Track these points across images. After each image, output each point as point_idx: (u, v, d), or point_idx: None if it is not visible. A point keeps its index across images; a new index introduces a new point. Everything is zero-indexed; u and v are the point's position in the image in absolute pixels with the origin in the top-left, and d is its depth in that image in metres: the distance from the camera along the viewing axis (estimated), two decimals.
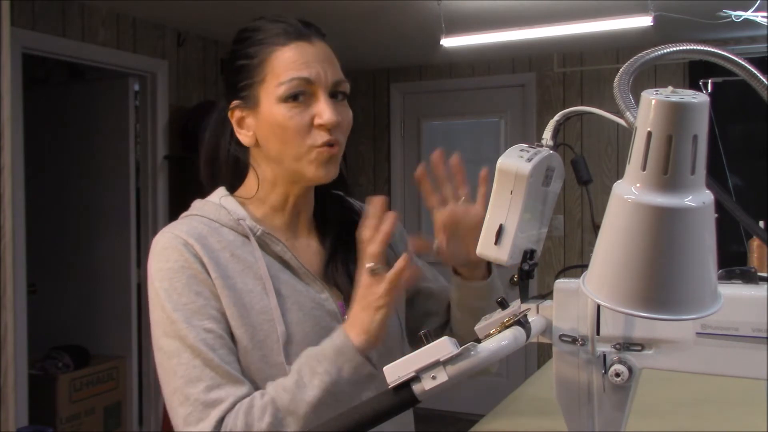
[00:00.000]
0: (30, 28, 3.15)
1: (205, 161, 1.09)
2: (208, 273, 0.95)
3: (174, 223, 1.01)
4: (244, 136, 1.02)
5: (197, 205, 1.05)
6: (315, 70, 0.97)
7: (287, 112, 0.97)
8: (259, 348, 0.95)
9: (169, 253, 0.95)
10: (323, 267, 1.06)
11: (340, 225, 1.10)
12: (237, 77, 1.01)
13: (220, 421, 0.88)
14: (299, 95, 0.97)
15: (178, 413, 0.91)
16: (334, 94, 1.00)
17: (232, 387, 0.90)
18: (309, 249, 1.08)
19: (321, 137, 0.97)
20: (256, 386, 0.95)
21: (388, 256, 1.11)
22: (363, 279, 0.92)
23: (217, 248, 0.98)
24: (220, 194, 1.06)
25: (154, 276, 0.95)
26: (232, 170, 1.07)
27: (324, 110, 0.97)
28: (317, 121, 0.97)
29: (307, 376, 0.89)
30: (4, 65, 2.09)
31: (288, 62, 0.97)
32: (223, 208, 1.02)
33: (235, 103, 1.02)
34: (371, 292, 0.91)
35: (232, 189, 1.07)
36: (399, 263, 0.91)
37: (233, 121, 1.03)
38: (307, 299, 1.00)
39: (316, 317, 1.00)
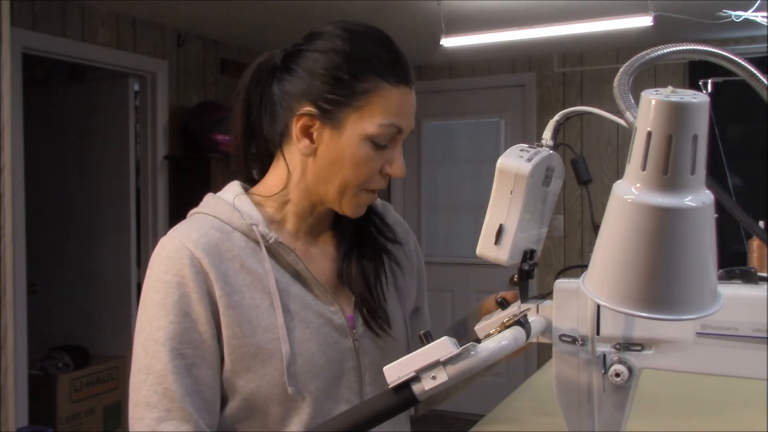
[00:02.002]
0: (30, 28, 3.15)
1: (241, 137, 1.02)
2: (212, 289, 0.92)
3: (185, 227, 0.97)
4: (303, 145, 0.96)
5: (210, 202, 1.01)
6: (407, 121, 0.97)
7: (370, 152, 0.94)
8: (261, 366, 0.93)
9: (170, 265, 0.92)
10: (337, 269, 1.04)
11: (357, 224, 1.07)
12: (329, 86, 0.94)
13: None
14: (386, 141, 0.96)
15: (134, 425, 0.91)
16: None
17: (179, 422, 0.89)
18: (324, 252, 1.05)
19: (379, 183, 0.98)
20: (251, 403, 0.93)
21: (402, 265, 1.12)
22: None
23: (227, 258, 0.94)
24: (234, 191, 1.01)
25: (150, 285, 0.93)
26: (261, 158, 1.04)
27: (398, 162, 0.97)
28: (387, 169, 0.97)
29: None
30: (4, 65, 2.09)
31: (392, 106, 0.94)
32: (237, 210, 0.98)
33: (309, 109, 0.95)
34: None
35: (252, 178, 1.05)
36: None
37: (296, 125, 0.96)
38: (315, 315, 0.97)
39: (323, 335, 0.97)
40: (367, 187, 0.97)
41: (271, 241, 0.96)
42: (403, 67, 0.96)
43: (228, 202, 0.99)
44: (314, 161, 0.97)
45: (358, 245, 1.05)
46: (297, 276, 0.98)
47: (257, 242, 0.96)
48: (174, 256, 0.92)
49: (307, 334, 0.95)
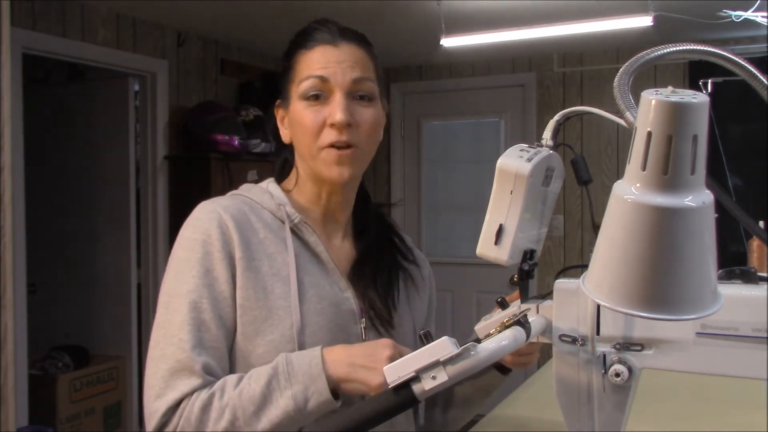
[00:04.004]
0: (30, 28, 3.15)
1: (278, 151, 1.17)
2: (233, 251, 0.97)
3: (220, 197, 1.06)
4: (283, 133, 1.09)
5: (245, 186, 1.10)
6: (332, 70, 1.01)
7: (303, 109, 1.02)
8: (270, 332, 0.96)
9: (199, 224, 0.99)
10: (351, 269, 1.08)
11: (377, 237, 1.12)
12: (281, 78, 1.08)
13: (176, 405, 0.91)
14: (317, 94, 1.01)
15: (148, 380, 0.94)
16: (354, 95, 1.02)
17: (189, 373, 0.91)
18: (341, 250, 1.10)
19: (330, 137, 1.00)
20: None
21: (417, 284, 1.16)
22: (382, 341, 0.92)
23: (252, 228, 1.01)
24: (267, 181, 1.11)
25: (179, 244, 1.00)
26: (282, 165, 1.14)
27: (335, 110, 0.99)
28: (328, 120, 1.00)
29: (277, 393, 0.89)
30: (4, 65, 2.09)
31: (308, 63, 1.02)
32: (268, 192, 1.06)
33: (278, 102, 1.09)
34: (379, 357, 0.89)
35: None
36: None
37: (278, 119, 1.10)
38: (329, 294, 1.01)
39: (334, 313, 1.01)
40: (323, 144, 1.00)
41: (296, 221, 1.03)
42: (324, 34, 1.04)
43: (261, 187, 1.08)
44: (294, 144, 1.06)
45: (376, 256, 1.10)
46: (316, 258, 1.04)
47: (283, 221, 1.03)
48: (204, 218, 1.00)
49: (318, 308, 0.99)
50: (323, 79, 1.00)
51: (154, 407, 0.91)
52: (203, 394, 0.90)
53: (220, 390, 0.90)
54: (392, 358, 0.86)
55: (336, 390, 0.90)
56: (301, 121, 1.02)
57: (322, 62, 1.01)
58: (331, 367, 0.90)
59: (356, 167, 1.03)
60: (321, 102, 1.01)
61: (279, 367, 0.91)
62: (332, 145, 1.00)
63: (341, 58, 1.02)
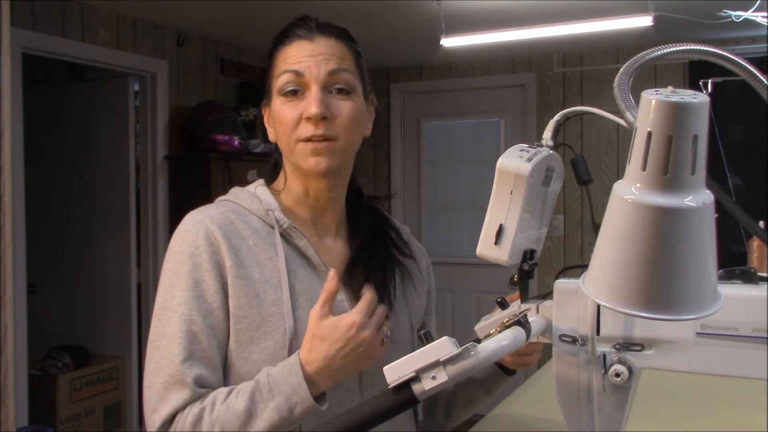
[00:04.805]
0: (30, 28, 3.15)
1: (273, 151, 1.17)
2: (223, 261, 0.97)
3: (207, 206, 1.05)
4: (269, 132, 1.09)
5: (234, 191, 1.09)
6: (306, 64, 1.01)
7: (281, 105, 1.02)
8: (265, 339, 0.96)
9: (186, 237, 0.99)
10: (344, 269, 1.07)
11: (371, 232, 1.11)
12: (265, 78, 1.08)
13: (170, 419, 0.92)
14: (294, 90, 1.01)
15: (146, 394, 0.95)
16: (330, 88, 1.01)
17: (180, 387, 0.92)
18: (333, 250, 1.09)
19: (307, 130, 1.00)
20: (252, 377, 0.95)
21: (414, 278, 1.15)
22: (348, 320, 0.92)
23: (241, 236, 1.00)
24: (256, 184, 1.10)
25: (168, 256, 1.00)
26: (273, 165, 1.13)
27: (310, 103, 0.99)
28: (304, 114, 1.00)
29: (260, 405, 0.90)
30: (4, 65, 2.08)
31: (285, 58, 1.03)
32: (256, 197, 1.05)
33: (264, 101, 1.09)
34: (358, 341, 0.91)
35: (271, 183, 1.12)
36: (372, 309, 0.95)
37: (264, 119, 1.10)
38: None
39: None
40: (300, 137, 1.00)
41: (285, 226, 1.02)
42: (301, 29, 1.04)
43: (249, 191, 1.07)
44: (277, 140, 1.06)
45: (369, 253, 1.08)
46: (307, 261, 1.03)
47: (272, 227, 1.02)
48: (191, 229, 0.99)
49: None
50: (298, 74, 1.00)
51: (151, 421, 0.93)
52: (195, 409, 0.91)
53: (210, 404, 0.91)
54: (361, 326, 0.90)
55: (322, 393, 0.92)
56: (279, 117, 1.02)
57: (297, 56, 1.01)
58: (315, 377, 0.91)
59: (335, 159, 1.02)
60: (298, 97, 1.01)
61: (261, 379, 0.92)
62: (309, 139, 1.00)
63: (316, 51, 1.02)
